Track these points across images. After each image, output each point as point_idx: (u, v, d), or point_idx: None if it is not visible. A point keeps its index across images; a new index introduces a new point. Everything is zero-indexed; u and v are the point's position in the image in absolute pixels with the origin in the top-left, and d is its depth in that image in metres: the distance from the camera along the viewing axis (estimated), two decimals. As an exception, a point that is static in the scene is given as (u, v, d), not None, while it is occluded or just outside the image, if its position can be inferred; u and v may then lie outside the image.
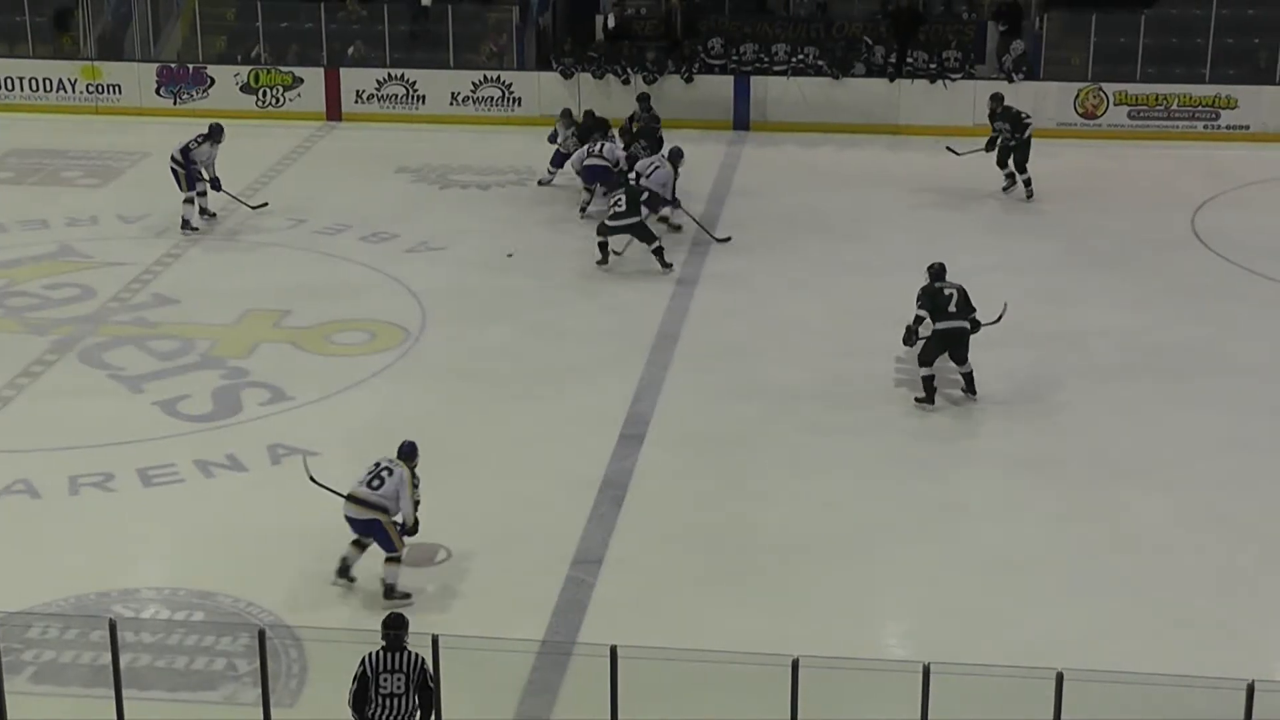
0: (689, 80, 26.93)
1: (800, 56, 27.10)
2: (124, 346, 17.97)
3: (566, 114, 23.47)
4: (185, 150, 21.54)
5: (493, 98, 27.31)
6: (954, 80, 26.55)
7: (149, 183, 23.50)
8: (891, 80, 26.68)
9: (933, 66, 26.71)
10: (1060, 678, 9.87)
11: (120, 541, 13.92)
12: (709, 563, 13.51)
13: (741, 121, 26.95)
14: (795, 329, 18.36)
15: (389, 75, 27.59)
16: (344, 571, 12.96)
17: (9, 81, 28.20)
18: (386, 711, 10.07)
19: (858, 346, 17.76)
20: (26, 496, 14.64)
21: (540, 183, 23.42)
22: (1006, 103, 23.21)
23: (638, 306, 19.19)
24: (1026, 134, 22.73)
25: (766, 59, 27.28)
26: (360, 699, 10.09)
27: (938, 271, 16.51)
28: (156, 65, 28.24)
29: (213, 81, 27.84)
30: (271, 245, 21.31)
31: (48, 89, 28.17)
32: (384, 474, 12.75)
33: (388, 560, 12.76)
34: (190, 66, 28.07)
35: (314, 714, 10.64)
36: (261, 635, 10.81)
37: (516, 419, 16.09)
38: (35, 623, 12.20)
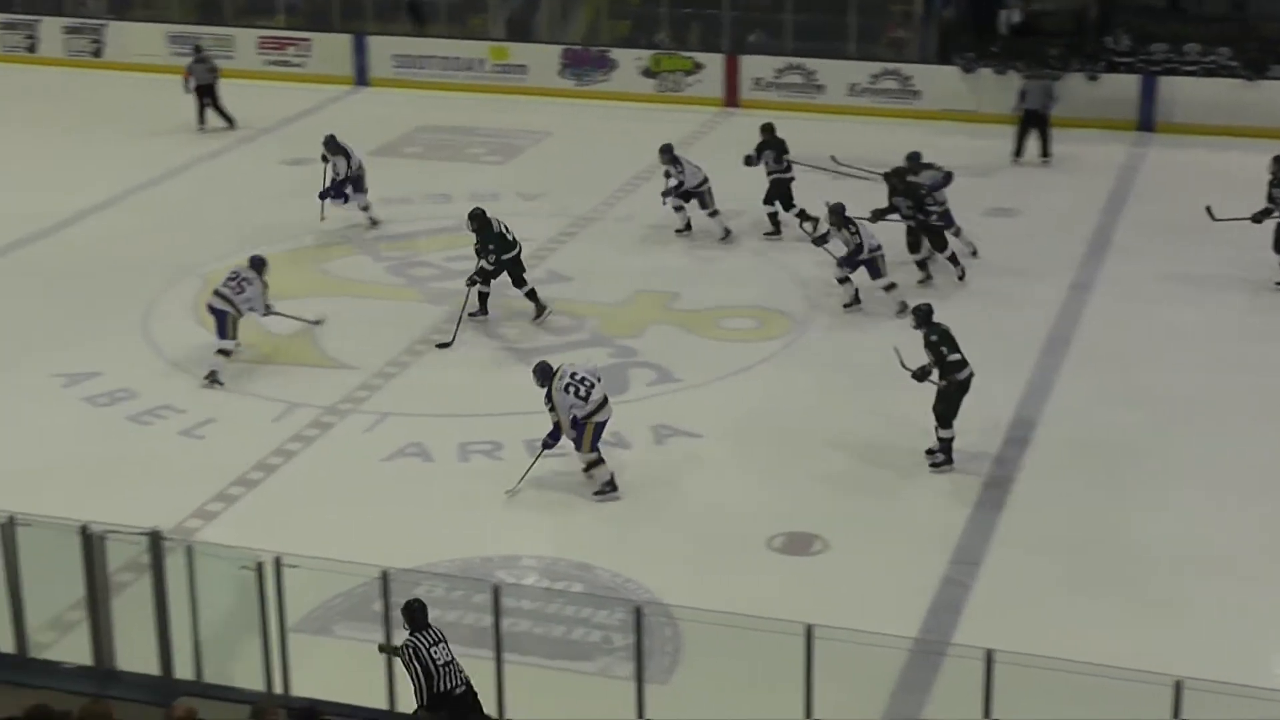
0: (1094, 79, 26.25)
1: (1213, 56, 26.15)
2: (517, 320, 18.46)
3: (668, 149, 21.16)
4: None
5: (891, 90, 27.10)
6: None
7: (549, 162, 24.06)
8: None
9: (1359, 68, 25.46)
10: None
11: (504, 509, 14.33)
12: (1089, 571, 13.19)
13: (1147, 122, 26.11)
14: (1183, 338, 17.75)
15: (789, 64, 27.65)
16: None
17: (420, 60, 29.29)
18: (452, 680, 10.41)
19: (1242, 361, 17.22)
20: (419, 460, 15.21)
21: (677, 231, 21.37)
22: None
23: (1029, 308, 18.78)
24: None
25: (1176, 58, 26.42)
26: (427, 688, 10.33)
27: (929, 311, 15.03)
28: (562, 48, 28.93)
29: (615, 65, 28.38)
30: (663, 227, 21.56)
31: (457, 68, 29.15)
32: (593, 383, 14.41)
33: None
34: (594, 49, 28.69)
35: (687, 693, 10.73)
36: (638, 611, 10.94)
37: (896, 414, 15.92)
38: (423, 581, 12.62)
